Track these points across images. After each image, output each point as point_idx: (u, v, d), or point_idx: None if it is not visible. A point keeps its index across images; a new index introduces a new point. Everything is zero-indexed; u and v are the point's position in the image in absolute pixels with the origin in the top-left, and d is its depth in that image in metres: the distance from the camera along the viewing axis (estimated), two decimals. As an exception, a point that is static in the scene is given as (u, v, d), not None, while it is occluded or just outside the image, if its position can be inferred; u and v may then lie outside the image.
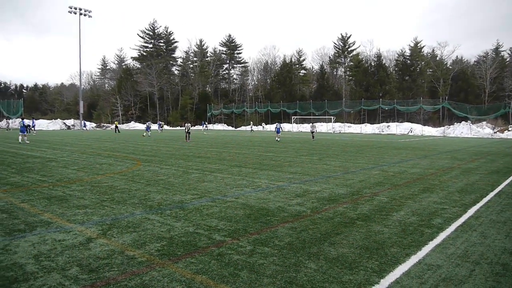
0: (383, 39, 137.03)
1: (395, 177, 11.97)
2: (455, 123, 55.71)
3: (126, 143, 28.50)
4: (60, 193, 9.04)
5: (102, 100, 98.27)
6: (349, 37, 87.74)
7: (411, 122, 62.17)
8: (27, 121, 37.21)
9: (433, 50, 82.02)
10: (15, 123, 66.24)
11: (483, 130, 50.17)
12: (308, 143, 29.30)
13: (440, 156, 19.55)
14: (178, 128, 77.32)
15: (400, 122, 60.74)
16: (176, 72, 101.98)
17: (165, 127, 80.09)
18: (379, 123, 62.86)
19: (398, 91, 73.77)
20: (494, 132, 48.94)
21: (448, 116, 64.57)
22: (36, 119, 51.39)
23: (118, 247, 5.26)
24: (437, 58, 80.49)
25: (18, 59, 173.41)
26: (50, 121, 75.42)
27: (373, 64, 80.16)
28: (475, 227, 6.48)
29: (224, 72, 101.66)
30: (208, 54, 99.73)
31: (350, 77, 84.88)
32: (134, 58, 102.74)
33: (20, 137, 27.11)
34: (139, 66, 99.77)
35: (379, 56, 79.44)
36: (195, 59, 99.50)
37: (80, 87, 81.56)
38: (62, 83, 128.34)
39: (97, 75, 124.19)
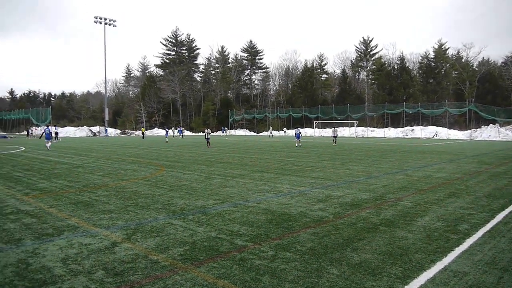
0: (406, 41, 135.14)
1: (420, 182, 11.74)
2: (482, 126, 54.20)
3: (149, 149, 28.97)
4: (87, 198, 9.27)
5: (127, 107, 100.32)
6: (371, 40, 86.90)
7: (436, 125, 60.85)
8: (52, 128, 38.62)
9: (458, 52, 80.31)
10: (38, 130, 68.36)
11: (512, 133, 48.60)
12: (330, 148, 29.08)
13: (466, 160, 19.06)
14: (201, 133, 78.07)
15: (425, 126, 59.55)
16: (198, 78, 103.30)
17: (188, 133, 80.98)
18: (403, 127, 61.79)
19: (422, 94, 72.42)
20: (524, 135, 47.33)
21: (475, 119, 62.96)
22: (57, 127, 52.78)
23: (142, 251, 5.36)
24: (463, 60, 78.66)
25: (47, 68, 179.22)
26: (77, 128, 77.45)
27: (396, 67, 79.01)
28: (503, 233, 6.30)
29: (246, 78, 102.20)
30: (229, 60, 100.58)
31: (373, 81, 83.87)
32: (157, 66, 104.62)
33: (48, 144, 27.95)
34: (162, 73, 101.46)
35: (402, 59, 78.26)
36: (216, 65, 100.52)
37: (105, 94, 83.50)
38: (88, 91, 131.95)
39: (122, 83, 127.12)
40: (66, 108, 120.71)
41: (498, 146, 31.83)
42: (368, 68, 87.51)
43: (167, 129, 50.48)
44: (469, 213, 7.66)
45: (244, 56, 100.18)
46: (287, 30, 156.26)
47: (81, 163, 18.14)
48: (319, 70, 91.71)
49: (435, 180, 12.20)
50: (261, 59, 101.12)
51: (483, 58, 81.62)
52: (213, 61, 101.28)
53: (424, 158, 20.22)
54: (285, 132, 72.65)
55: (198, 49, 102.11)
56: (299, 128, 34.50)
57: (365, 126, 65.97)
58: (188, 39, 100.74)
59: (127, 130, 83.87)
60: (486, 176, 13.03)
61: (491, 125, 52.56)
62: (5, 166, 16.94)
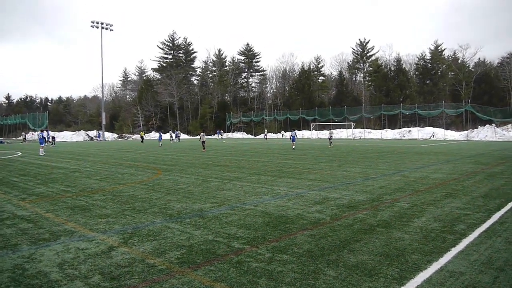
0: (403, 43, 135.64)
1: (417, 183, 11.77)
2: (479, 127, 54.40)
3: (146, 153, 28.94)
4: (83, 203, 9.25)
5: (124, 111, 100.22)
6: (368, 42, 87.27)
7: (433, 126, 61.06)
8: (52, 133, 38.38)
9: (454, 53, 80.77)
10: (35, 135, 68.08)
11: (509, 133, 48.80)
12: (327, 150, 29.13)
13: (463, 160, 19.12)
14: (198, 137, 78.02)
15: (422, 127, 59.73)
16: (195, 82, 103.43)
17: (185, 136, 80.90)
18: (400, 128, 61.97)
19: (419, 95, 72.66)
20: (520, 135, 47.52)
21: (472, 119, 63.21)
22: (49, 131, 51.81)
23: (139, 255, 5.35)
24: (459, 61, 79.05)
25: (44, 73, 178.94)
26: (74, 132, 77.24)
27: (392, 69, 79.28)
28: (499, 232, 6.32)
29: (243, 81, 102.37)
30: (226, 63, 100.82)
31: (370, 83, 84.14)
32: (154, 69, 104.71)
33: (40, 149, 27.79)
34: (159, 77, 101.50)
35: (398, 61, 78.55)
36: (213, 68, 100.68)
37: (102, 99, 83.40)
38: (85, 96, 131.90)
39: (119, 87, 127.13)
40: (63, 113, 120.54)
41: (494, 147, 31.94)
42: (365, 69, 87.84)
43: (160, 133, 49.08)
44: (466, 213, 7.69)
45: (241, 59, 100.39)
46: (284, 33, 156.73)
47: (78, 167, 18.10)
48: (316, 72, 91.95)
49: (431, 181, 12.23)
50: (258, 62, 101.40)
51: (479, 59, 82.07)
52: (210, 64, 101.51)
53: (421, 159, 20.28)
54: (283, 135, 72.70)
55: (195, 52, 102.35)
56: (295, 131, 33.78)
57: (362, 128, 66.12)
58: (185, 42, 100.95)
59: (124, 134, 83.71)
60: (483, 177, 13.07)
61: (487, 125, 52.76)
62: (2, 171, 16.89)
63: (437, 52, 79.58)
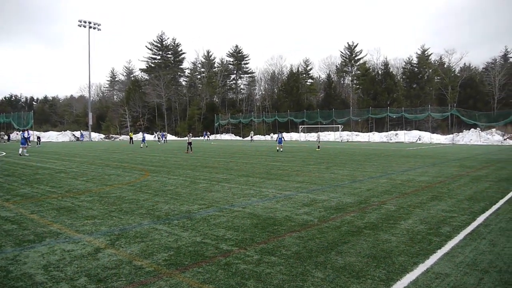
0: (390, 47, 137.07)
1: (403, 186, 11.90)
2: (464, 131, 55.23)
3: (134, 154, 28.70)
4: (69, 204, 9.13)
5: (111, 111, 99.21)
6: (356, 45, 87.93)
7: (420, 130, 61.76)
8: (36, 133, 37.56)
9: (440, 58, 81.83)
10: (18, 135, 66.83)
11: (493, 137, 49.66)
12: (315, 152, 29.26)
13: (449, 163, 19.40)
14: (186, 138, 77.64)
15: (408, 130, 60.38)
16: (184, 83, 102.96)
17: (173, 137, 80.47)
18: (387, 131, 62.55)
19: (406, 99, 73.49)
20: (504, 139, 48.40)
21: (457, 123, 64.11)
22: (29, 131, 50.25)
23: (126, 257, 5.30)
24: (445, 66, 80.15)
25: (29, 72, 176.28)
26: (60, 132, 76.21)
27: (380, 73, 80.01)
28: (484, 235, 6.42)
29: (232, 83, 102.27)
30: (215, 65, 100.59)
31: (357, 86, 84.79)
32: (142, 70, 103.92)
33: (20, 149, 27.16)
34: (147, 78, 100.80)
35: (386, 64, 79.34)
36: (202, 70, 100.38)
37: (89, 99, 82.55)
38: (71, 95, 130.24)
39: (106, 87, 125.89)
40: (48, 113, 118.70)
41: (479, 150, 32.48)
42: (353, 73, 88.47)
43: (144, 134, 46.40)
44: (451, 215, 7.80)
45: (230, 61, 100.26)
46: (273, 35, 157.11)
47: (64, 168, 17.86)
48: (304, 75, 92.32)
49: (418, 183, 12.38)
50: (247, 63, 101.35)
51: (464, 64, 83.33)
52: (199, 65, 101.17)
53: (407, 162, 20.51)
54: (271, 137, 72.75)
55: (183, 53, 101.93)
56: (282, 133, 32.91)
57: (350, 131, 66.60)
58: (174, 43, 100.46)
59: (111, 135, 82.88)
60: (468, 180, 13.28)
61: (472, 129, 53.61)
62: (-15, 171, 16.57)
63: (423, 56, 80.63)
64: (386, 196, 10.10)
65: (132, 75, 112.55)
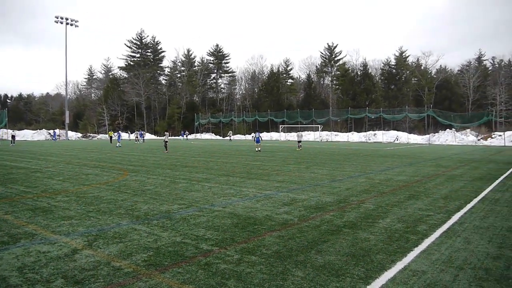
0: (369, 48, 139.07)
1: (381, 185, 12.10)
2: (440, 131, 56.54)
3: (112, 153, 28.25)
4: (45, 204, 8.92)
5: (89, 110, 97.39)
6: (336, 46, 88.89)
7: (397, 130, 62.88)
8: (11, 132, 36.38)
9: (417, 59, 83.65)
10: None
11: (467, 138, 50.99)
12: (295, 152, 29.42)
13: (425, 163, 19.82)
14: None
15: (386, 130, 61.40)
16: (163, 81, 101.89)
17: (152, 136, 79.58)
18: (365, 132, 63.46)
19: (384, 99, 74.77)
20: (478, 140, 49.77)
21: (433, 124, 65.58)
22: (9, 129, 48.39)
23: (104, 258, 5.22)
24: (422, 67, 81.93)
25: (3, 69, 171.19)
26: (35, 131, 74.31)
27: (359, 73, 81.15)
28: (459, 233, 6.59)
29: (212, 82, 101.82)
30: (195, 64, 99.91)
31: (337, 86, 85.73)
32: (121, 68, 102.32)
33: None
34: (126, 76, 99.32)
35: (365, 65, 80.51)
36: (182, 68, 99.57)
37: (66, 96, 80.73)
38: (47, 93, 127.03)
39: (84, 85, 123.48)
40: (23, 111, 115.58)
41: (454, 150, 33.29)
42: (333, 73, 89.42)
43: (119, 133, 44.27)
44: (428, 214, 7.97)
45: (210, 60, 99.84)
46: (254, 35, 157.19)
47: (40, 167, 17.43)
48: (284, 75, 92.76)
49: (395, 183, 12.60)
50: (227, 63, 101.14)
51: (440, 66, 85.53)
52: (179, 64, 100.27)
53: (385, 161, 20.85)
54: (252, 137, 72.65)
55: (163, 51, 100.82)
56: (258, 132, 31.26)
57: (330, 131, 67.23)
58: (153, 41, 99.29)
59: (89, 134, 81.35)
60: (443, 179, 13.60)
61: (448, 130, 54.92)
62: (-44, 171, 16.03)
63: (401, 58, 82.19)
64: (364, 195, 10.25)
65: (110, 73, 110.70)
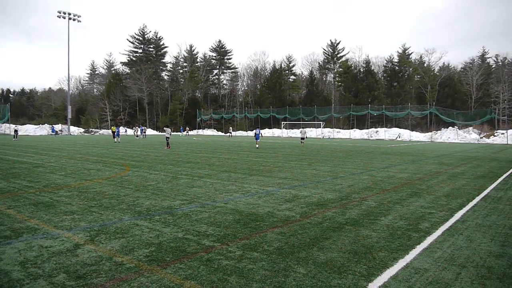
0: (372, 45, 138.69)
1: (383, 182, 12.07)
2: (442, 129, 56.41)
3: (114, 148, 28.28)
4: (47, 199, 8.93)
5: (91, 105, 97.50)
6: (338, 43, 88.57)
7: (399, 127, 62.83)
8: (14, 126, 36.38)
9: (420, 57, 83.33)
10: None
11: (470, 136, 50.87)
12: (297, 149, 29.40)
13: (427, 161, 19.77)
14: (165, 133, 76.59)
15: (389, 128, 61.33)
16: (165, 77, 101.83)
17: (154, 132, 79.61)
18: (367, 129, 63.36)
19: (386, 96, 74.57)
20: (480, 137, 49.66)
21: (436, 121, 65.46)
22: (12, 124, 48.35)
23: (106, 253, 5.22)
24: (425, 65, 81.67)
25: (6, 63, 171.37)
26: (37, 126, 74.51)
27: (362, 70, 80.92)
28: (461, 231, 6.57)
29: (214, 78, 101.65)
30: (198, 60, 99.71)
31: (339, 83, 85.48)
32: (123, 63, 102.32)
33: None
34: (129, 71, 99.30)
35: (367, 62, 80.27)
36: (185, 64, 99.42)
37: (68, 91, 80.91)
38: (50, 88, 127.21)
39: (86, 80, 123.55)
40: (26, 105, 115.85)
41: (457, 148, 33.21)
42: (335, 70, 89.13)
43: (118, 129, 42.09)
44: (430, 212, 7.95)
45: (212, 56, 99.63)
46: (256, 31, 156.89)
47: (42, 162, 17.47)
48: (287, 72, 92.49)
49: (398, 180, 12.57)
50: (229, 59, 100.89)
51: (443, 63, 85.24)
52: (181, 60, 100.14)
53: (387, 159, 20.81)
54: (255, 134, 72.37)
55: (166, 47, 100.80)
56: (259, 128, 31.10)
57: (332, 127, 67.17)
58: (156, 37, 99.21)
59: (91, 129, 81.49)
60: (446, 177, 13.56)
61: (450, 127, 54.80)
62: (-41, 165, 16.07)
63: (404, 55, 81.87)
64: (366, 192, 10.23)
65: (112, 69, 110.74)
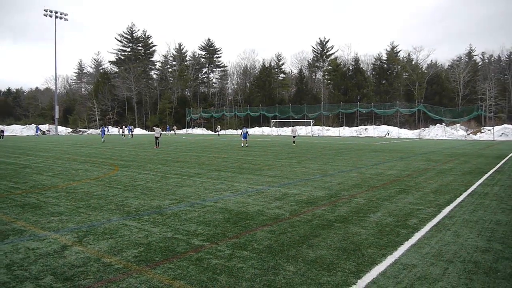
0: (361, 43, 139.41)
1: (372, 179, 12.16)
2: (430, 126, 57.03)
3: (103, 148, 28.03)
4: (34, 200, 8.82)
5: (79, 104, 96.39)
6: (327, 41, 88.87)
7: (388, 124, 63.33)
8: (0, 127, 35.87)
9: (409, 55, 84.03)
10: None
11: (457, 132, 51.50)
12: (287, 147, 29.45)
13: (415, 158, 19.96)
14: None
15: (378, 125, 61.78)
16: (154, 76, 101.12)
17: (143, 131, 79.09)
18: (357, 126, 63.76)
19: (375, 94, 75.05)
20: (468, 134, 50.30)
21: (424, 118, 66.08)
22: None
23: (94, 254, 5.17)
24: (413, 62, 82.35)
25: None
26: (24, 126, 73.48)
27: (351, 68, 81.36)
28: (449, 226, 6.65)
29: (203, 76, 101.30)
30: (187, 58, 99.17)
31: (329, 81, 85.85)
32: (111, 62, 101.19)
33: None
34: (117, 70, 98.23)
35: (356, 60, 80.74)
36: (174, 63, 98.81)
37: (55, 91, 79.90)
38: (36, 88, 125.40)
39: (73, 79, 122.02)
40: (12, 105, 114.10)
41: (444, 145, 33.59)
42: (324, 68, 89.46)
43: (103, 128, 42.23)
44: (418, 208, 8.03)
45: (202, 54, 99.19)
46: (245, 29, 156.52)
47: (29, 163, 17.23)
48: (276, 70, 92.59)
49: (386, 177, 12.67)
50: (219, 57, 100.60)
51: (431, 61, 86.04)
52: (170, 58, 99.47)
53: (376, 156, 20.96)
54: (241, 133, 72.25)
55: (154, 46, 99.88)
56: (245, 128, 30.81)
57: (321, 125, 67.47)
58: (144, 35, 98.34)
59: (79, 129, 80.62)
60: (434, 173, 13.71)
61: (438, 124, 55.43)
62: None
63: (393, 53, 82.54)
64: (356, 189, 10.29)
65: (101, 68, 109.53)
